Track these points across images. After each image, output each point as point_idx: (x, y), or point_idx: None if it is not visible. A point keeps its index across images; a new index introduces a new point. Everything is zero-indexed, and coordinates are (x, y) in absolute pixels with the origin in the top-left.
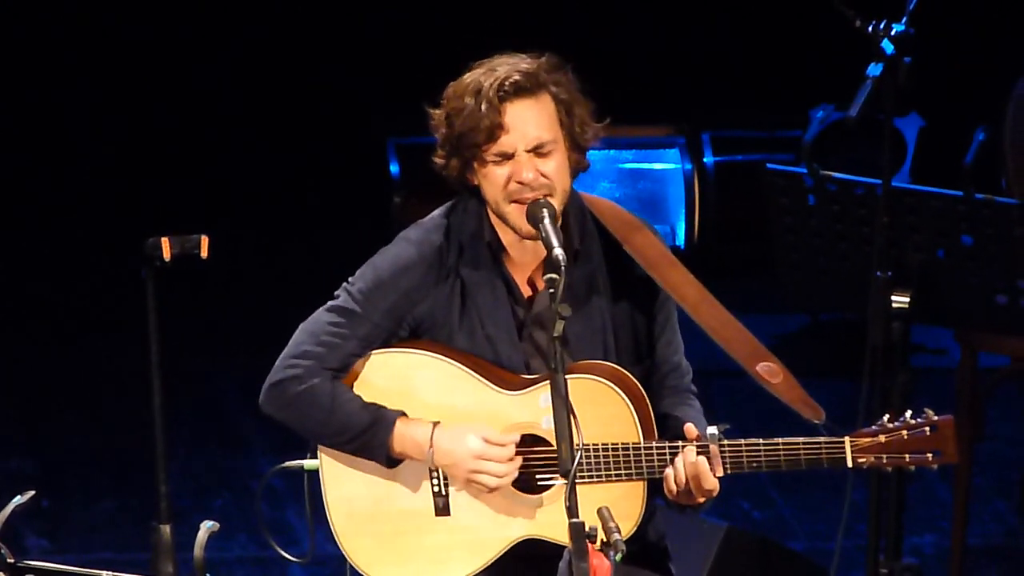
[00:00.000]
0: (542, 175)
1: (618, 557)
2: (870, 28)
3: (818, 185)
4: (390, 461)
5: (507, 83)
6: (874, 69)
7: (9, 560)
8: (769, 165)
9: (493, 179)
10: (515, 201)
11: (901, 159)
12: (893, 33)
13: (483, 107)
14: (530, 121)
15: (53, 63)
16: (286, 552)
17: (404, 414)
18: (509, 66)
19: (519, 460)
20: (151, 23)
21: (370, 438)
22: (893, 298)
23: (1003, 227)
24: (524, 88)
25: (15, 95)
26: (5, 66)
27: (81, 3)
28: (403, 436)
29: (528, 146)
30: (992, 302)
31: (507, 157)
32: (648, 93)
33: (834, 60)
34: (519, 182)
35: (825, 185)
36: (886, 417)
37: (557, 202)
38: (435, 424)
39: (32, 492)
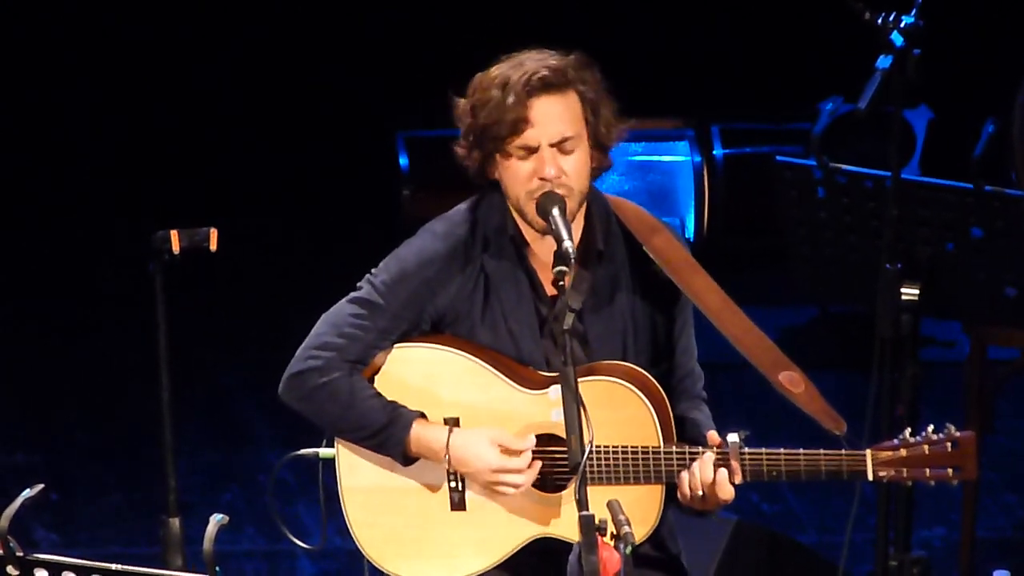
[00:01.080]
0: (563, 172)
1: (628, 550)
2: (879, 20)
3: (827, 177)
4: (407, 460)
5: (535, 78)
6: (883, 61)
7: (18, 553)
8: (778, 158)
9: (515, 173)
10: (535, 198)
11: (910, 152)
12: (902, 25)
13: (509, 100)
14: (555, 117)
15: (53, 63)
16: (298, 540)
17: (423, 415)
18: (537, 61)
19: (537, 464)
20: (161, 18)
21: (387, 437)
22: (902, 290)
23: (1013, 220)
24: (552, 84)
25: (17, 95)
26: (6, 66)
27: (81, 3)
28: (419, 438)
29: (552, 140)
30: (1001, 295)
31: (531, 151)
32: (657, 85)
33: (843, 53)
34: (541, 178)
35: (834, 178)
36: (908, 431)
37: (573, 202)
38: (451, 429)
39: (41, 486)
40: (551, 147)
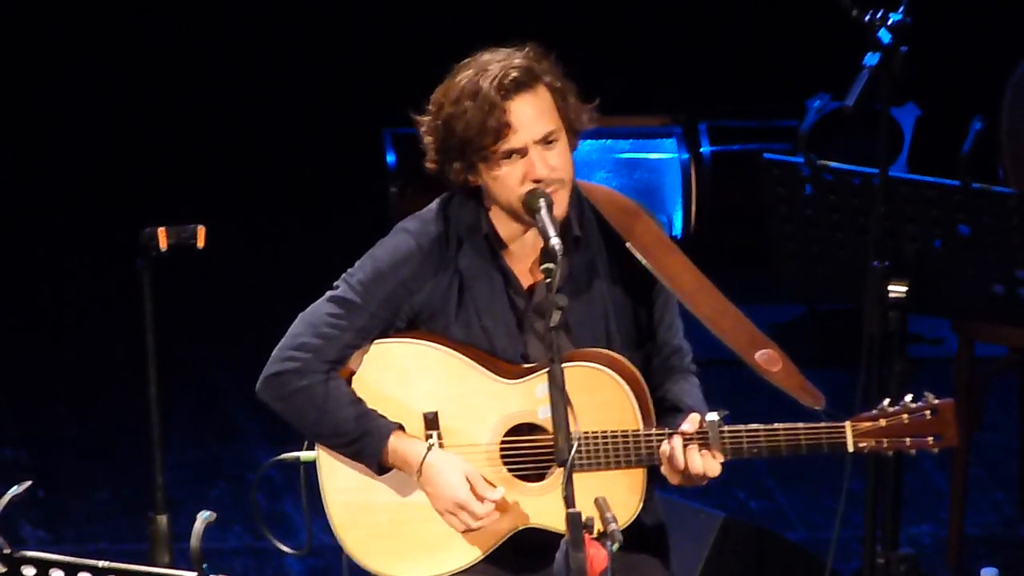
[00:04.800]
0: (553, 168)
1: (615, 547)
2: (867, 17)
3: (815, 175)
4: (381, 470)
5: (506, 80)
6: (871, 59)
7: (5, 550)
8: (766, 155)
9: (506, 180)
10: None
11: (898, 149)
12: (890, 22)
13: (486, 108)
14: (534, 115)
15: (39, 58)
16: (283, 544)
17: (401, 427)
18: (501, 63)
19: (495, 515)
20: (144, 14)
21: (362, 447)
22: (890, 288)
23: (1000, 217)
24: (523, 83)
25: (3, 90)
26: None
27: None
28: (396, 451)
29: (536, 138)
30: (989, 292)
31: (519, 154)
32: (644, 83)
33: (831, 50)
34: (535, 180)
35: (822, 175)
36: (886, 401)
37: (566, 192)
38: (430, 447)
39: (29, 482)
40: (536, 144)
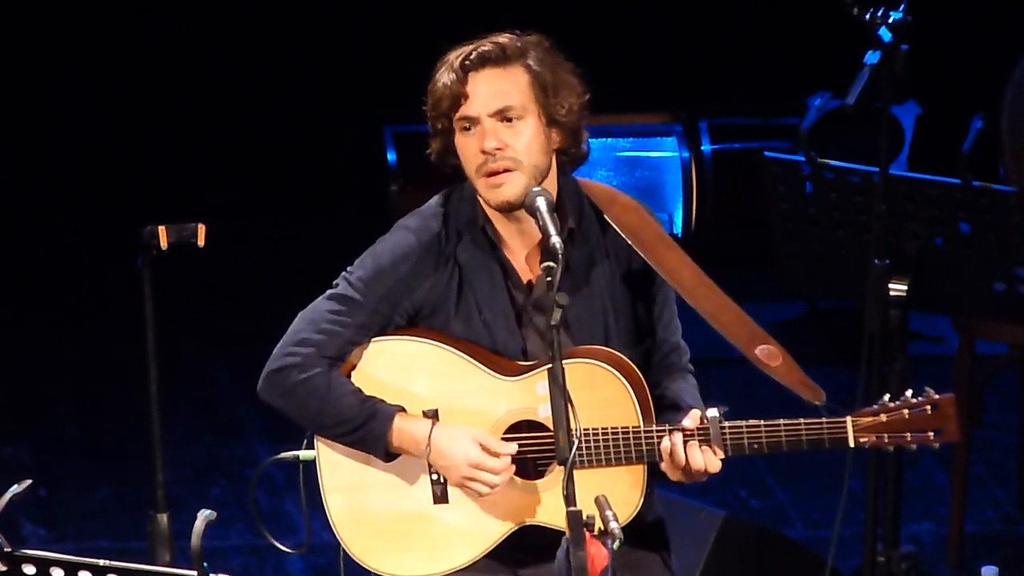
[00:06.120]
0: (506, 144)
1: (616, 545)
2: (868, 16)
3: (815, 173)
4: (388, 456)
5: (473, 54)
6: (872, 57)
7: (6, 549)
8: (767, 153)
9: (463, 151)
10: (485, 175)
11: (898, 147)
12: (891, 21)
13: (450, 77)
14: (494, 88)
15: (38, 56)
16: (282, 543)
17: (403, 409)
18: (482, 40)
19: (512, 469)
20: (144, 14)
21: (367, 432)
22: (891, 286)
23: (1000, 214)
24: (490, 58)
25: (3, 89)
26: None
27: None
28: (401, 431)
29: (490, 111)
30: (990, 289)
31: (473, 123)
32: (645, 81)
33: (832, 48)
34: (483, 151)
35: (823, 173)
36: (887, 396)
37: (522, 176)
38: (434, 422)
39: (29, 481)
40: (491, 118)
